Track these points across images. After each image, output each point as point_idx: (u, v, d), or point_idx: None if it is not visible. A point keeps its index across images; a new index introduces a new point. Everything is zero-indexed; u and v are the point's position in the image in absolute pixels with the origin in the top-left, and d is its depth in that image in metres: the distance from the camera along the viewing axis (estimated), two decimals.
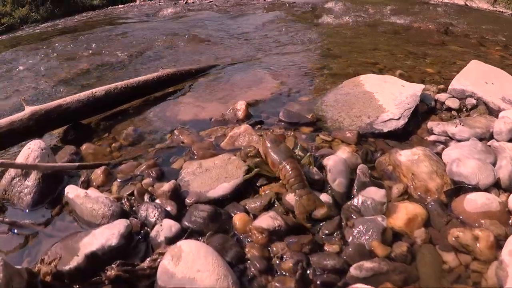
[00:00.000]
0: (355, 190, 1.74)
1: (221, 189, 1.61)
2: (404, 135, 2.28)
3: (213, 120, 2.36)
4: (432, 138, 2.25)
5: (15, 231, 1.68)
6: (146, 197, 1.61)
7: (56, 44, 4.85)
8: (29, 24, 9.65)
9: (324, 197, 1.63)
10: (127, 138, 2.26)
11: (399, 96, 2.48)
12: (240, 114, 2.32)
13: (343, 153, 1.85)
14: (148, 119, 2.53)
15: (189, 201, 1.59)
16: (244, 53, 4.01)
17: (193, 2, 8.02)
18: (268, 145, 1.68)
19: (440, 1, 7.70)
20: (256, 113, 2.42)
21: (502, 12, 7.26)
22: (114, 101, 2.70)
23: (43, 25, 8.44)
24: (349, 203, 1.69)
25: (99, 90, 2.60)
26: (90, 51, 4.47)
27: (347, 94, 2.62)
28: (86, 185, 1.86)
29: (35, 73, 3.97)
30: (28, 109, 2.36)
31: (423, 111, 2.55)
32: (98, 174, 1.88)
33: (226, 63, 3.59)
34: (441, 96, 2.71)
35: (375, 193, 1.70)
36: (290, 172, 1.57)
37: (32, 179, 1.89)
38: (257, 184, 1.72)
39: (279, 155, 1.63)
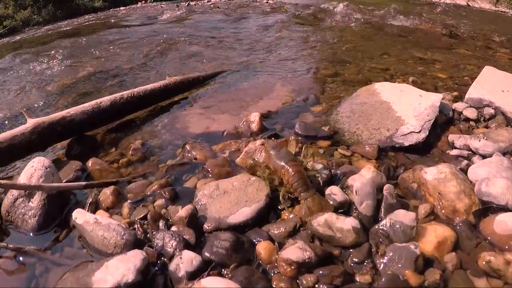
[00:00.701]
0: (382, 212, 1.61)
1: (242, 214, 1.47)
2: (425, 149, 2.15)
3: (225, 133, 2.22)
4: (454, 152, 2.12)
5: (20, 258, 1.54)
6: (161, 224, 1.47)
7: (58, 48, 4.69)
8: (31, 27, 9.46)
9: (351, 221, 1.50)
10: (136, 153, 2.12)
11: (417, 107, 2.35)
12: (254, 126, 2.18)
13: (368, 172, 1.72)
14: (156, 131, 2.39)
15: (207, 228, 1.45)
16: (250, 57, 3.87)
17: (195, 4, 7.84)
18: (271, 152, 1.63)
19: (442, 2, 7.57)
20: (270, 125, 2.28)
21: (505, 12, 7.15)
22: (120, 112, 2.55)
23: (45, 27, 8.25)
24: (376, 226, 1.56)
25: (104, 100, 2.45)
26: (92, 56, 4.32)
27: (363, 104, 2.49)
28: (95, 207, 1.72)
29: (36, 79, 3.80)
30: (31, 122, 2.21)
31: (442, 122, 2.41)
32: (107, 195, 1.74)
33: (233, 69, 3.44)
34: (459, 106, 2.58)
35: (404, 216, 1.57)
36: (293, 175, 1.50)
37: (36, 200, 1.74)
38: (279, 207, 1.59)
39: (280, 160, 1.57)
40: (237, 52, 4.08)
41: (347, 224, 1.49)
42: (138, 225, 1.53)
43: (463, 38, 4.88)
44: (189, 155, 2.00)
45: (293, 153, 1.72)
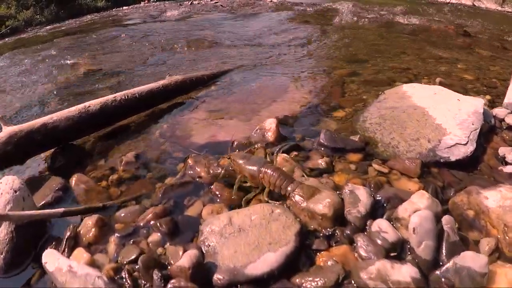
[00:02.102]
0: (444, 254, 1.18)
1: (265, 262, 1.04)
2: (471, 164, 1.71)
3: (235, 143, 1.76)
4: (509, 169, 1.69)
5: None
6: (155, 275, 1.03)
7: (56, 47, 4.24)
8: (33, 27, 8.95)
9: (409, 270, 1.07)
10: (128, 168, 1.68)
11: (458, 114, 1.91)
12: (270, 135, 1.74)
13: (422, 199, 1.29)
14: (154, 140, 1.94)
15: (219, 282, 1.02)
16: (258, 56, 3.42)
17: (198, 3, 7.36)
18: (240, 161, 1.43)
19: (448, 1, 7.12)
20: (288, 134, 1.84)
21: (511, 12, 6.71)
22: (112, 116, 2.10)
23: (47, 27, 7.75)
24: (437, 273, 1.13)
25: (94, 103, 2.00)
26: (91, 55, 3.86)
27: (393, 109, 2.05)
28: (73, 243, 1.28)
29: (30, 79, 3.36)
30: (6, 131, 1.77)
31: (484, 131, 1.98)
32: (89, 227, 1.30)
33: (240, 68, 2.99)
34: (500, 112, 2.15)
35: (473, 260, 1.14)
36: (273, 174, 1.32)
37: (2, 234, 1.32)
38: (312, 248, 1.15)
39: (254, 165, 1.39)
40: (243, 50, 3.63)
41: (404, 274, 1.06)
42: (126, 274, 1.09)
43: (477, 38, 4.44)
44: (192, 172, 1.56)
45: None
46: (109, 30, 5.08)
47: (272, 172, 1.31)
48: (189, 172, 1.57)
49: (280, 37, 4.10)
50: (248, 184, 1.39)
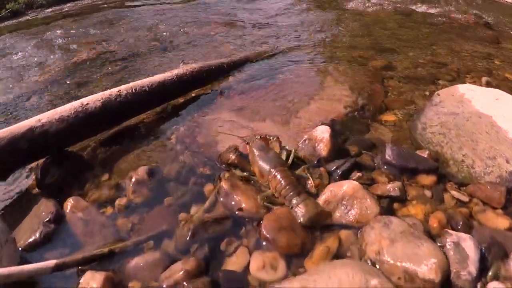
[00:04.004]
0: None
1: None
2: None
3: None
4: None
5: None
6: None
7: (55, 30, 3.57)
8: (34, 9, 8.00)
9: None
10: (140, 188, 1.23)
11: None
12: (323, 148, 1.29)
13: None
14: (170, 148, 1.48)
15: None
16: (275, 42, 2.90)
17: None
18: (256, 153, 1.28)
19: None
20: (339, 144, 1.39)
21: None
22: (116, 115, 1.61)
23: (48, 10, 6.87)
24: None
25: (93, 100, 1.50)
26: (92, 38, 3.25)
27: (454, 115, 1.62)
28: None
29: (22, 66, 2.77)
30: None
31: None
32: None
33: (265, 55, 2.48)
34: None
35: None
36: (282, 181, 1.15)
37: None
38: None
39: (267, 163, 1.23)
40: (259, 34, 3.09)
41: None
42: None
43: (500, 31, 3.99)
44: (229, 200, 1.12)
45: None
46: (113, 12, 4.39)
47: (281, 179, 1.15)
48: (224, 199, 1.13)
49: (296, 22, 3.55)
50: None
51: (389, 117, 1.70)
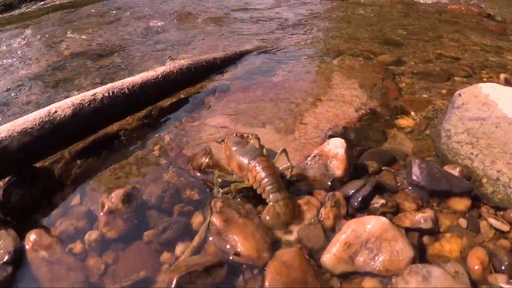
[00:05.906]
0: None
1: None
2: None
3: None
4: None
5: None
6: None
7: (43, 24, 3.20)
8: (27, 3, 7.46)
9: None
10: (113, 218, 0.96)
11: None
12: (337, 167, 1.02)
13: None
14: (152, 161, 1.20)
15: None
16: (275, 34, 2.59)
17: None
18: (233, 148, 1.12)
19: None
20: (353, 159, 1.13)
21: None
22: (90, 124, 1.31)
23: (40, 3, 6.35)
24: None
25: (62, 107, 1.21)
26: (81, 32, 2.88)
27: (481, 121, 1.36)
28: None
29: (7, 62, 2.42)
30: None
31: None
32: None
33: (261, 49, 2.17)
34: None
35: None
36: (262, 172, 0.98)
37: None
38: None
39: (246, 156, 1.06)
40: (256, 26, 2.77)
41: None
42: None
43: (504, 22, 3.70)
44: (222, 240, 0.86)
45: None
46: (104, 3, 4.00)
47: (261, 170, 1.00)
48: (217, 240, 0.86)
49: (294, 10, 3.23)
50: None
51: (406, 121, 1.44)
